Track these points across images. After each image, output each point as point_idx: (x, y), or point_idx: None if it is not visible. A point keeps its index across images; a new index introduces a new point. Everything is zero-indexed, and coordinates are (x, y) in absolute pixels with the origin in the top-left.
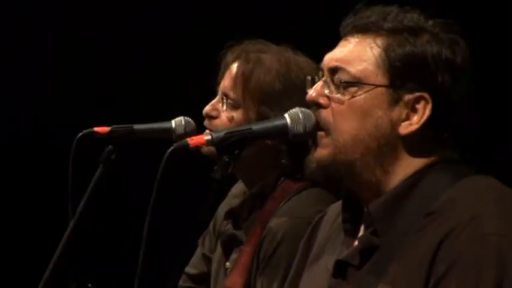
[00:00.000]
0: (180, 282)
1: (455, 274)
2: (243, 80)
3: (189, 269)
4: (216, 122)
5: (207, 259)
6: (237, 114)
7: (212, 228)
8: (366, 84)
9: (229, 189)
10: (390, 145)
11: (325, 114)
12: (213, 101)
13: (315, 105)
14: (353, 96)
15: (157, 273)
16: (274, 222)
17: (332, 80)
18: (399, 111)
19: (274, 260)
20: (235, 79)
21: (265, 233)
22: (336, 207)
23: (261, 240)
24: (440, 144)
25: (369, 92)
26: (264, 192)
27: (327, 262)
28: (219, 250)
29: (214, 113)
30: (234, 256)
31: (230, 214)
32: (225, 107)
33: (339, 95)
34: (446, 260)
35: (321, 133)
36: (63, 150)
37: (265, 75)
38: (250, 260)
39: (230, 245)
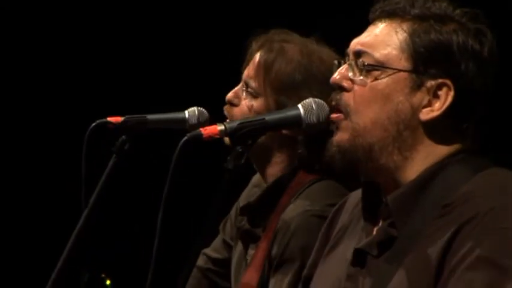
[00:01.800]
0: (201, 263)
1: (468, 265)
2: (264, 69)
3: (211, 252)
4: (236, 110)
5: (227, 245)
6: (256, 103)
7: (234, 215)
8: (388, 68)
9: (249, 179)
10: (410, 130)
11: (347, 97)
12: (236, 88)
13: (339, 89)
14: (375, 79)
15: (170, 264)
16: (286, 216)
17: (356, 63)
18: (421, 96)
19: (287, 254)
20: (257, 68)
21: (278, 226)
22: (357, 194)
23: (275, 234)
24: (461, 134)
25: (392, 76)
26: (280, 185)
27: (346, 249)
28: (239, 245)
29: (235, 101)
30: (251, 252)
31: (246, 209)
32: (245, 95)
33: (361, 78)
34: (460, 251)
35: (339, 116)
36: (77, 140)
37: (286, 65)
38: (266, 255)
39: (247, 240)
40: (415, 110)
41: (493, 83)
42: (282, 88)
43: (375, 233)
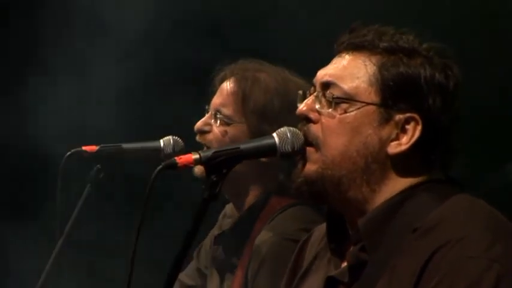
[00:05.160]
0: None
1: None
2: (242, 97)
3: (186, 279)
4: (209, 136)
5: (200, 273)
6: (230, 130)
7: (209, 244)
8: (357, 101)
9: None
10: (378, 163)
11: (315, 129)
12: (204, 118)
13: (305, 120)
14: (344, 112)
15: None
16: (258, 241)
17: (324, 95)
18: (389, 130)
19: (259, 279)
20: (230, 96)
21: (252, 252)
22: (321, 228)
23: (249, 260)
24: (428, 164)
25: (360, 109)
26: (253, 212)
27: (314, 282)
28: (215, 274)
29: (206, 128)
30: (227, 281)
31: (220, 238)
32: (218, 122)
33: (330, 110)
34: (431, 280)
35: (310, 149)
36: (52, 168)
37: (265, 93)
38: (243, 283)
39: (223, 270)
40: (383, 144)
41: (458, 117)
42: (262, 116)
43: (344, 263)
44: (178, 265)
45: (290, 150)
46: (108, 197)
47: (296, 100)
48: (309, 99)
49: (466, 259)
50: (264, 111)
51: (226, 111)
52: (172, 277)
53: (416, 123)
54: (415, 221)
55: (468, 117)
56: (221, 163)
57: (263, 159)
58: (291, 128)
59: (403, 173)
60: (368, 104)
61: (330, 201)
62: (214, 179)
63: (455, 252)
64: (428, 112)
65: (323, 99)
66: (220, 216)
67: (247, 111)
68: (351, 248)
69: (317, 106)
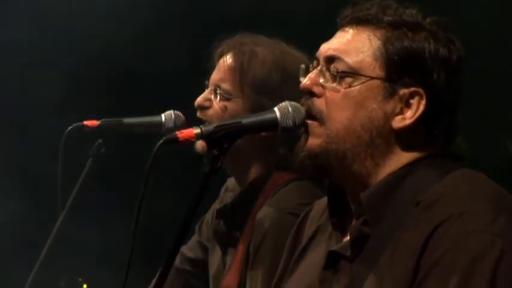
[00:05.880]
0: (177, 263)
1: (439, 270)
2: (240, 71)
3: (187, 252)
4: (210, 112)
5: (202, 247)
6: (230, 105)
7: (211, 218)
8: (362, 75)
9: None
10: (382, 138)
11: (319, 103)
12: (204, 93)
13: (308, 94)
14: (349, 86)
15: (147, 267)
16: (261, 214)
17: (328, 69)
18: (393, 104)
19: (260, 253)
20: (228, 71)
21: (254, 226)
22: (322, 203)
23: (251, 235)
24: (431, 139)
25: (365, 84)
26: (255, 187)
27: (316, 257)
28: (217, 248)
29: (207, 103)
30: (230, 255)
31: (222, 213)
32: (218, 98)
33: (334, 84)
34: (434, 254)
35: (313, 122)
36: (53, 143)
37: (262, 66)
38: (244, 257)
39: (225, 244)
40: (388, 118)
41: (461, 91)
42: (261, 90)
43: (346, 237)
44: (180, 238)
45: (291, 124)
46: (110, 172)
47: (294, 73)
48: (312, 73)
49: (469, 233)
50: (263, 85)
51: (226, 86)
52: (174, 250)
53: (421, 98)
54: (417, 194)
55: (469, 92)
56: (222, 137)
57: (264, 134)
58: (292, 103)
59: (406, 147)
60: (373, 78)
61: (333, 175)
62: (216, 153)
63: (457, 226)
64: (433, 87)
65: (327, 73)
66: (222, 190)
67: (245, 85)
68: (353, 222)
69: (321, 80)
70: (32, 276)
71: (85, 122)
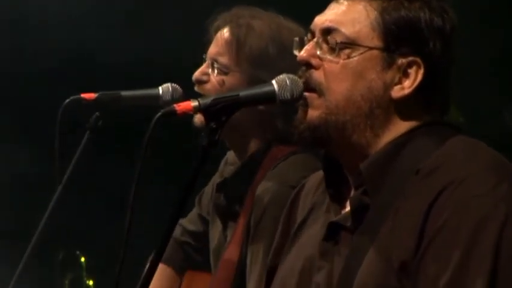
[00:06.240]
0: (177, 235)
1: (443, 236)
2: (237, 45)
3: (187, 224)
4: (207, 86)
5: (203, 219)
6: (228, 79)
7: (211, 191)
8: (360, 46)
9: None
10: (382, 108)
11: (317, 75)
12: (202, 67)
13: (306, 66)
14: (347, 58)
15: (143, 240)
16: (261, 188)
17: (325, 41)
18: (392, 74)
19: (261, 227)
20: (226, 44)
21: (254, 200)
22: (317, 177)
23: (252, 208)
24: (429, 108)
25: (363, 54)
26: (255, 161)
27: (314, 231)
28: (218, 222)
29: (204, 78)
30: (230, 228)
31: (222, 186)
32: (215, 72)
33: (332, 56)
34: (438, 221)
35: (312, 94)
36: (51, 116)
37: (259, 39)
38: (245, 230)
39: (226, 218)
40: (387, 88)
41: (454, 60)
42: (258, 63)
43: (345, 209)
44: (178, 211)
45: (289, 97)
46: (107, 145)
47: (292, 46)
48: (309, 45)
49: (472, 198)
50: (260, 58)
51: (223, 60)
52: (173, 223)
53: (419, 67)
54: (417, 162)
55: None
56: (220, 110)
57: (261, 108)
58: (290, 75)
59: (405, 117)
60: (371, 48)
61: (331, 147)
62: (214, 126)
63: (460, 192)
64: (430, 56)
65: (324, 45)
66: (222, 162)
67: (243, 58)
68: (352, 193)
69: (318, 52)
70: (29, 250)
71: (82, 95)
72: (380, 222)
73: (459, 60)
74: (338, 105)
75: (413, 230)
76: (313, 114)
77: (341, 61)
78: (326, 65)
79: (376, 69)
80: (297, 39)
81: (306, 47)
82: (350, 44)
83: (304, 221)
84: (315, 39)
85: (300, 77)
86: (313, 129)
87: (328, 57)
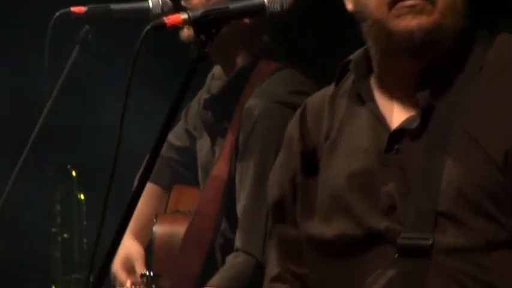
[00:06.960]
0: (164, 151)
1: None
2: None
3: (174, 141)
4: (195, 0)
5: (189, 134)
6: None
7: (197, 106)
8: None
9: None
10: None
11: None
12: None
13: None
14: None
15: (133, 154)
16: (249, 104)
17: None
18: None
19: (250, 142)
20: None
21: (243, 115)
22: (320, 96)
23: (240, 124)
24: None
25: None
26: (242, 76)
27: (351, 145)
28: (206, 138)
29: None
30: (219, 145)
31: (209, 102)
32: None
33: None
34: None
35: (423, 2)
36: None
37: None
38: (234, 146)
39: (214, 134)
40: None
41: None
42: None
43: (393, 111)
44: (167, 126)
45: (279, 9)
46: (98, 58)
47: None
48: None
49: None
50: None
51: None
52: (161, 138)
53: None
54: (478, 60)
55: None
56: (210, 23)
57: (248, 22)
58: None
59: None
60: None
61: (431, 53)
62: (203, 38)
63: None
64: None
65: None
66: (209, 77)
67: None
68: (419, 94)
69: None
70: (19, 164)
71: (72, 9)
72: (448, 126)
73: None
74: (447, 11)
75: (499, 139)
76: (428, 20)
77: None
78: None
79: None
80: None
81: None
82: None
83: (333, 141)
84: None
85: None
86: (429, 31)
87: None
